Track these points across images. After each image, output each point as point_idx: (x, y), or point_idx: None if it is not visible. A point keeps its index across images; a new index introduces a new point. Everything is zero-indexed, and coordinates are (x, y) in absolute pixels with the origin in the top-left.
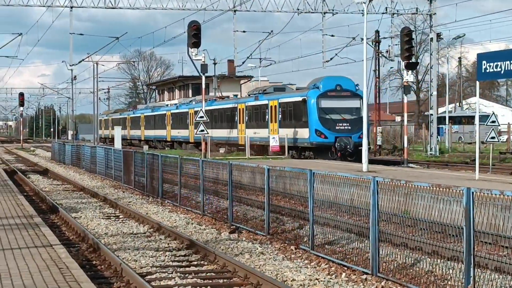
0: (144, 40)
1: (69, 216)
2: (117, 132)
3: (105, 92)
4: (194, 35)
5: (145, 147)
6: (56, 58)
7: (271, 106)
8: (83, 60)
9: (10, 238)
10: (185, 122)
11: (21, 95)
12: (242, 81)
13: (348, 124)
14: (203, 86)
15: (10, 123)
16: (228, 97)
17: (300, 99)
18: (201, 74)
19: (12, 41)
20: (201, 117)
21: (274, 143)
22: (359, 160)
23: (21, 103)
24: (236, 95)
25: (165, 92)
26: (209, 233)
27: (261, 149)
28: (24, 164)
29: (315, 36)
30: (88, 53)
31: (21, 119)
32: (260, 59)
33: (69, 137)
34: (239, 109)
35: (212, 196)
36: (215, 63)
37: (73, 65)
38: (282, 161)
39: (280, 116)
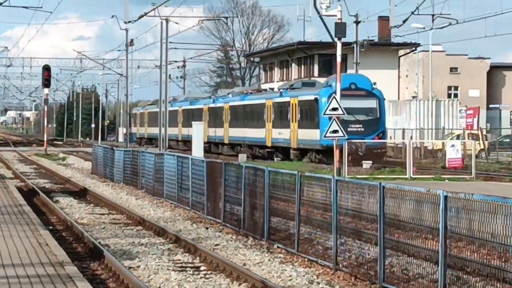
0: None
1: (120, 265)
2: (197, 131)
3: (179, 67)
4: None
5: (242, 157)
6: (101, 12)
7: (293, 104)
8: (145, 14)
9: None
10: (221, 119)
11: (46, 69)
12: (401, 52)
13: (361, 126)
14: (339, 58)
15: (27, 113)
16: (265, 90)
17: (312, 97)
18: (335, 39)
19: None
20: (334, 108)
21: (454, 154)
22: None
23: (46, 83)
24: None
25: (275, 67)
26: None
27: (284, 152)
28: (50, 180)
29: None
30: (153, 4)
31: (46, 108)
32: (433, 16)
33: (121, 138)
34: (267, 105)
35: (350, 239)
36: (357, 22)
37: (129, 22)
38: (465, 184)
39: (299, 115)
